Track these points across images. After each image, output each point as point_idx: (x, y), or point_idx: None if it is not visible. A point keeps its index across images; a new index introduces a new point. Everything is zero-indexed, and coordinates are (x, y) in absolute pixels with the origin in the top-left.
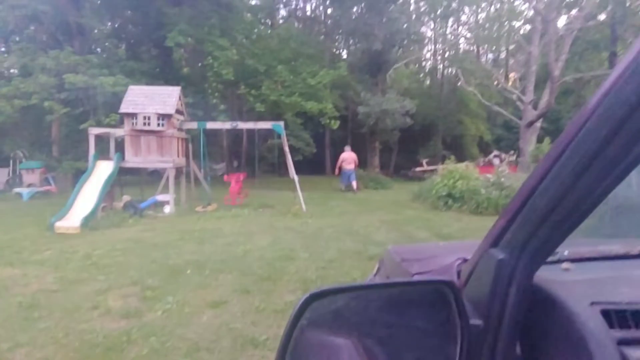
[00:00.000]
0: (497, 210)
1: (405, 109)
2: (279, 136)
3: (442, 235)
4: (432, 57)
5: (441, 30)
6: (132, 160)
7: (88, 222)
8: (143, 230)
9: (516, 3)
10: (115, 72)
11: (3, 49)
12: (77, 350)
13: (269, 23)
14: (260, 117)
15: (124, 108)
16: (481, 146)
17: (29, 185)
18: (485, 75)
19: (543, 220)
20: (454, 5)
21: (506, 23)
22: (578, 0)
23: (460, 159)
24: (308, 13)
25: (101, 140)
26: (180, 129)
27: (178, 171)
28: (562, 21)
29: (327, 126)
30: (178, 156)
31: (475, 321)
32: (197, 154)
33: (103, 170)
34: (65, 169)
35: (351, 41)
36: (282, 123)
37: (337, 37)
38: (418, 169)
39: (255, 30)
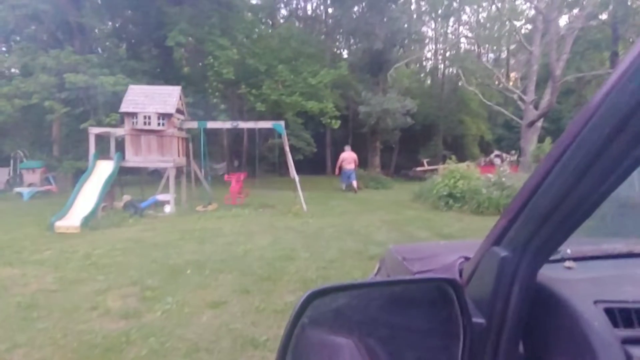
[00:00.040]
0: (498, 210)
1: (406, 109)
2: (280, 136)
3: (443, 235)
4: (433, 57)
5: (442, 30)
6: (133, 159)
7: (88, 221)
8: (143, 230)
9: (517, 2)
10: (116, 72)
11: (4, 49)
12: (76, 351)
13: (270, 22)
14: (260, 117)
15: (124, 107)
16: (482, 146)
17: (30, 185)
18: (486, 74)
19: (545, 219)
20: (454, 4)
21: (507, 22)
22: (579, 0)
23: (461, 158)
24: (309, 12)
25: (101, 139)
26: (180, 129)
27: (178, 171)
28: (563, 20)
29: (327, 126)
30: (178, 156)
31: (478, 319)
32: (198, 154)
33: (103, 169)
34: (65, 169)
35: (352, 40)
36: (282, 123)
37: (338, 37)
38: (419, 168)
39: (256, 30)
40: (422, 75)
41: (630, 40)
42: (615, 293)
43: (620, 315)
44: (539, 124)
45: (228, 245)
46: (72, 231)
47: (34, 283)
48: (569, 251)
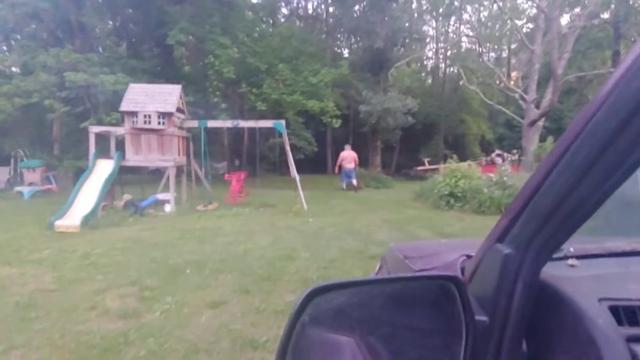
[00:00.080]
0: (499, 210)
1: (407, 108)
2: (281, 135)
3: (444, 235)
4: (434, 56)
5: (443, 29)
6: (133, 158)
7: (88, 221)
8: (143, 229)
9: (519, 1)
10: (116, 71)
11: (4, 47)
12: (73, 351)
13: (271, 21)
14: (261, 116)
15: (124, 106)
16: (483, 145)
17: (30, 184)
18: (487, 73)
19: (548, 217)
20: (456, 3)
21: (508, 21)
22: None
23: (462, 158)
24: (310, 11)
25: (102, 138)
26: (181, 128)
27: (179, 170)
28: (565, 19)
29: (328, 125)
30: (179, 155)
31: (481, 317)
32: (198, 153)
33: (103, 169)
34: (66, 168)
35: (353, 39)
36: (283, 122)
37: (338, 36)
38: (420, 168)
39: (257, 29)
40: (423, 74)
41: (632, 39)
42: (619, 291)
43: (624, 313)
44: (541, 123)
45: (228, 244)
46: (71, 230)
47: (33, 282)
48: (572, 249)
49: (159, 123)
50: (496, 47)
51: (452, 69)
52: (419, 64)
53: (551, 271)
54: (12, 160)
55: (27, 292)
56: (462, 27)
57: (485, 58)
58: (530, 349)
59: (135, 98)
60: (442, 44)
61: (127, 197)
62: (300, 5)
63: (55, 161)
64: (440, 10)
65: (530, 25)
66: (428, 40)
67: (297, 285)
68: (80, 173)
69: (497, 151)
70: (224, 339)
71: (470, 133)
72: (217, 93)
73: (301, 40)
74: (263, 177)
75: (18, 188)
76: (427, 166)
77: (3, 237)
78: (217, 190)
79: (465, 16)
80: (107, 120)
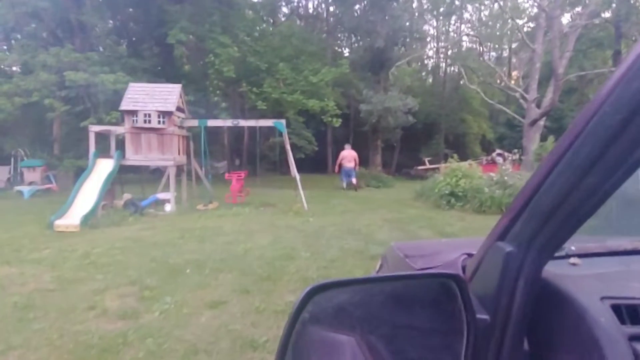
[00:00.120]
0: (500, 209)
1: (407, 107)
2: (281, 134)
3: (445, 234)
4: (434, 55)
5: (444, 28)
6: (133, 158)
7: (88, 220)
8: (143, 229)
9: (520, 0)
10: (116, 70)
11: (4, 47)
12: (72, 352)
13: (271, 20)
14: (261, 115)
15: (124, 105)
16: (484, 145)
17: (30, 183)
18: (488, 73)
19: (549, 216)
20: (456, 2)
21: (509, 20)
22: None
23: (462, 157)
24: (310, 10)
25: (102, 138)
26: (181, 127)
27: (179, 169)
28: (566, 18)
29: (329, 124)
30: (179, 154)
31: (482, 316)
32: (198, 152)
33: (103, 168)
34: (66, 167)
35: (353, 39)
36: (283, 121)
37: (339, 35)
38: (420, 167)
39: (257, 28)
40: (423, 73)
41: (633, 38)
42: (621, 289)
43: (627, 312)
44: (541, 122)
45: (228, 244)
46: (71, 230)
47: (32, 282)
48: (573, 248)
49: (159, 122)
50: (497, 46)
51: (452, 68)
52: (419, 63)
53: (553, 270)
54: (12, 160)
55: (26, 292)
56: (462, 26)
57: (486, 57)
58: (532, 348)
59: (135, 97)
60: (442, 43)
61: (127, 196)
62: (300, 4)
63: (55, 160)
64: (441, 9)
65: (531, 25)
66: (429, 39)
67: (297, 285)
68: (80, 172)
69: (498, 150)
70: (223, 339)
71: (471, 132)
72: (218, 92)
73: (301, 40)
74: (263, 176)
75: (18, 187)
76: (428, 165)
77: (3, 237)
78: (217, 190)
79: (466, 15)
80: (107, 119)
